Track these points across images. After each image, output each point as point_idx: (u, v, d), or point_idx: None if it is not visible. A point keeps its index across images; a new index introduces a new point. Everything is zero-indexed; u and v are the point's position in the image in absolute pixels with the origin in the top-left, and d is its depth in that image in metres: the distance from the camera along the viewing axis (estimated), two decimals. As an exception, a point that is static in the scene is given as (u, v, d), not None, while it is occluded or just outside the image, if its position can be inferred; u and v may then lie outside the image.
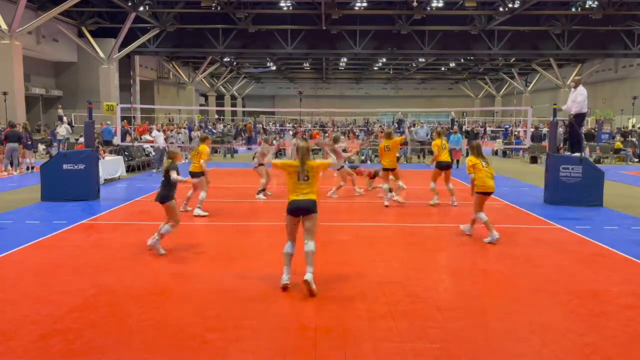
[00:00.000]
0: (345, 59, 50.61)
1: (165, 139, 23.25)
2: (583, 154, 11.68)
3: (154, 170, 17.68)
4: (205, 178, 9.76)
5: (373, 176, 12.72)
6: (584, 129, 19.85)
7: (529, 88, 58.63)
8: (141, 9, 30.67)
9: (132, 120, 32.49)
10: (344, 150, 12.53)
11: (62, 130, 23.58)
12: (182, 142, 21.82)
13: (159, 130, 19.52)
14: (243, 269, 6.50)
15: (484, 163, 8.01)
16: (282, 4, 30.80)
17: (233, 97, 70.62)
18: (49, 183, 11.23)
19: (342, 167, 12.31)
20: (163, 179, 7.12)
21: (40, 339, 4.41)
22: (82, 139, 17.45)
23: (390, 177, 11.18)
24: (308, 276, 5.47)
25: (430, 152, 24.28)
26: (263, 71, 59.54)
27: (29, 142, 17.65)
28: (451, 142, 19.49)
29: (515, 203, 11.49)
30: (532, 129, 23.44)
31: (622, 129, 32.45)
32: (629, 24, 33.78)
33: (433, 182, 11.21)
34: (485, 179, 7.93)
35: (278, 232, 8.62)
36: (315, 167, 5.70)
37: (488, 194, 8.02)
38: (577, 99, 11.53)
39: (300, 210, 5.57)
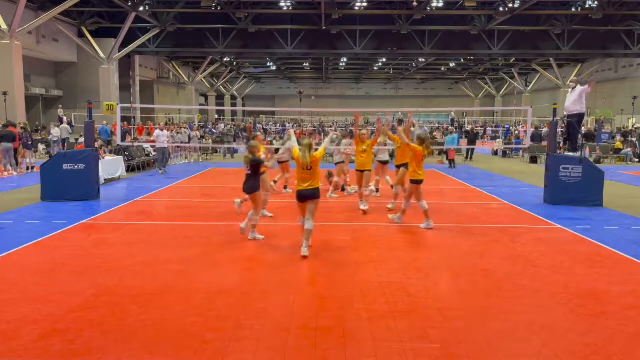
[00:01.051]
0: (345, 59, 50.61)
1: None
2: (582, 153, 11.68)
3: (159, 171, 17.46)
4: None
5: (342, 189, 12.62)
6: (583, 129, 19.86)
7: (529, 88, 58.63)
8: (141, 9, 30.66)
9: (132, 120, 32.54)
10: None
11: (56, 131, 23.43)
12: (181, 142, 21.84)
13: (162, 130, 18.86)
14: (243, 269, 6.50)
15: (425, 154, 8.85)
16: (282, 4, 30.80)
17: (233, 97, 70.64)
18: (49, 183, 11.23)
19: (343, 162, 12.33)
20: (249, 172, 7.85)
21: (40, 339, 4.41)
22: (82, 139, 17.44)
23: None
24: (304, 251, 7.01)
25: (431, 153, 24.34)
26: (263, 71, 59.55)
27: (29, 142, 17.65)
28: (447, 142, 19.53)
29: (515, 203, 11.49)
30: (532, 129, 23.42)
31: (623, 129, 32.40)
32: (629, 24, 33.77)
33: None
34: (418, 171, 8.80)
35: (278, 233, 8.63)
36: (316, 158, 7.17)
37: (420, 182, 8.80)
38: (582, 101, 11.63)
39: (305, 197, 7.14)
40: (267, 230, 8.79)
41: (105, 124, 23.66)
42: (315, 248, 7.52)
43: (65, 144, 22.24)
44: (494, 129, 41.18)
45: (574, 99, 11.77)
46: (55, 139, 23.01)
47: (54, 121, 29.26)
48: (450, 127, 23.91)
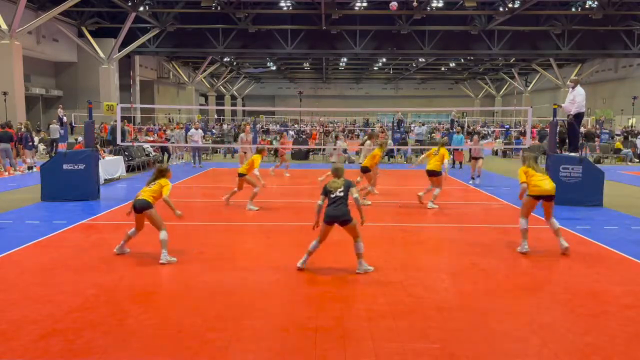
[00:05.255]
0: (345, 59, 50.61)
1: (167, 139, 23.31)
2: (581, 152, 11.68)
3: (194, 165, 19.35)
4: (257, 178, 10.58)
5: None
6: (583, 129, 19.82)
7: (529, 88, 58.65)
8: (141, 9, 30.67)
9: (132, 120, 32.54)
10: (345, 150, 12.60)
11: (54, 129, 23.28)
12: (177, 141, 21.83)
13: (196, 129, 20.28)
14: (243, 269, 6.49)
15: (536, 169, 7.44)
16: (282, 4, 30.82)
17: (233, 97, 70.66)
18: (49, 183, 11.22)
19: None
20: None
21: (40, 339, 4.41)
22: (81, 139, 17.42)
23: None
24: None
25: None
26: (263, 71, 59.56)
27: (30, 143, 17.63)
28: (454, 143, 19.43)
29: (515, 203, 11.46)
30: (537, 129, 23.25)
31: (624, 130, 32.30)
32: (629, 24, 33.77)
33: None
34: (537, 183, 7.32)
35: (278, 233, 8.64)
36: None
37: (538, 197, 7.30)
38: (575, 100, 11.53)
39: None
40: (268, 230, 8.81)
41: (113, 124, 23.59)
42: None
43: (55, 145, 22.12)
44: (498, 128, 41.06)
45: (571, 100, 11.73)
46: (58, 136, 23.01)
47: (54, 121, 29.17)
48: (457, 127, 23.79)
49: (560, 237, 7.25)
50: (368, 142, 12.89)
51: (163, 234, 6.67)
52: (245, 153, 15.99)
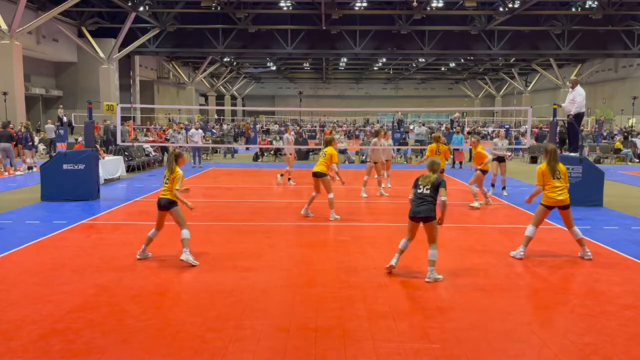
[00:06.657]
0: (345, 59, 50.65)
1: (167, 139, 23.30)
2: (583, 153, 11.67)
3: (193, 165, 18.97)
4: (339, 178, 9.57)
5: None
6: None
7: (529, 88, 58.67)
8: (141, 9, 30.70)
9: (132, 120, 32.53)
10: (345, 150, 12.58)
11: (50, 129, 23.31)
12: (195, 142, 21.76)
13: (197, 129, 19.85)
14: (243, 269, 6.49)
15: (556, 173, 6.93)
16: (282, 4, 30.84)
17: (233, 97, 70.70)
18: (49, 183, 11.23)
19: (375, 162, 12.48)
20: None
21: (40, 339, 4.41)
22: (81, 139, 17.40)
23: None
24: None
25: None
26: (263, 71, 59.61)
27: (30, 143, 17.61)
28: (454, 143, 19.52)
29: (515, 203, 11.49)
30: (536, 129, 23.27)
31: (624, 129, 32.31)
32: (629, 24, 33.79)
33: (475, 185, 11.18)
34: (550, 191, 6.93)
35: (278, 233, 8.64)
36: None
37: (551, 207, 6.97)
38: (575, 100, 11.53)
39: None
40: (268, 230, 8.80)
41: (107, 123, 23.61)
42: (314, 248, 7.53)
43: (52, 145, 22.06)
44: (497, 128, 41.08)
45: (571, 100, 11.72)
46: (54, 136, 23.04)
47: (49, 120, 29.18)
48: (456, 127, 23.87)
49: (584, 246, 6.96)
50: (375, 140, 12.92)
51: (185, 233, 6.62)
52: (291, 154, 14.84)
